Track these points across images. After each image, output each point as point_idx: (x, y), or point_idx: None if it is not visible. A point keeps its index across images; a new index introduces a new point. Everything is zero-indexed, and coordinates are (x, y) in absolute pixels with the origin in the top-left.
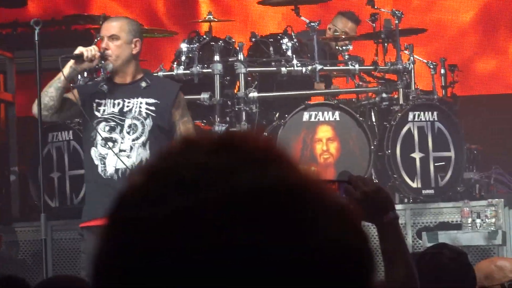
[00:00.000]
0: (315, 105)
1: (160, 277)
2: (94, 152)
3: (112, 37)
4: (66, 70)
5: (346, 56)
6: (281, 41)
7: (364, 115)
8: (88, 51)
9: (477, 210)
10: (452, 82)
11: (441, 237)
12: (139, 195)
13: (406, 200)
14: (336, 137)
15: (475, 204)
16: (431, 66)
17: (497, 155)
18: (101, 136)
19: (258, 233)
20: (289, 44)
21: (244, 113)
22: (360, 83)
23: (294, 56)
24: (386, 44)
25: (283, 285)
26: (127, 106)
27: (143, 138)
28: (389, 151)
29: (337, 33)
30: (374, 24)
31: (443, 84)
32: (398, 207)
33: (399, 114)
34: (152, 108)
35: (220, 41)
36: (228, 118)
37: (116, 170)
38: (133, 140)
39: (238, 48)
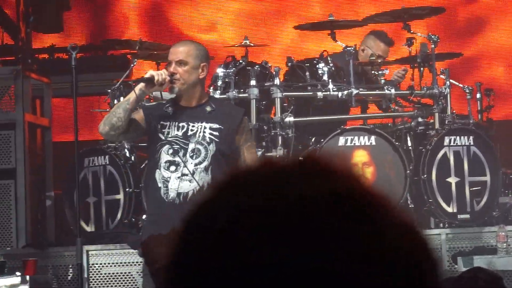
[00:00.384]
0: (351, 129)
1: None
2: (158, 175)
3: (180, 62)
4: (136, 92)
5: (382, 81)
6: (317, 66)
7: (400, 140)
8: (159, 75)
9: None
10: (488, 107)
11: (476, 262)
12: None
13: (441, 225)
14: (372, 161)
15: (511, 229)
16: (467, 91)
17: None
18: (164, 159)
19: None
20: (325, 69)
21: (280, 137)
22: (396, 107)
23: (330, 80)
24: (422, 69)
25: None
26: (191, 130)
27: (205, 163)
28: (425, 175)
29: (373, 57)
30: (410, 49)
31: (479, 108)
32: (433, 231)
33: (435, 138)
34: (216, 133)
35: (256, 66)
36: (264, 143)
37: (178, 194)
38: (196, 164)
39: (274, 73)
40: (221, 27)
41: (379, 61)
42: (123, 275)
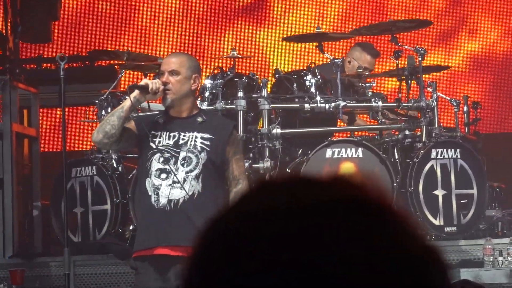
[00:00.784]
0: (338, 141)
1: None
2: (148, 183)
3: (173, 72)
4: (131, 99)
5: (370, 93)
6: (305, 78)
7: (387, 152)
8: (153, 84)
9: (499, 248)
10: (475, 120)
11: (463, 275)
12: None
13: (428, 238)
14: (359, 173)
15: (498, 242)
16: (454, 104)
17: None
18: (155, 167)
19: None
20: (313, 81)
21: (267, 149)
22: (383, 120)
23: (317, 92)
24: (409, 81)
25: None
26: (183, 139)
27: (197, 171)
28: (412, 188)
29: (360, 70)
30: (397, 61)
31: (466, 121)
32: None
33: (422, 151)
34: (207, 143)
35: (244, 77)
36: (251, 154)
37: (169, 201)
38: (187, 172)
39: (261, 84)
40: (209, 38)
41: (366, 73)
42: (110, 286)
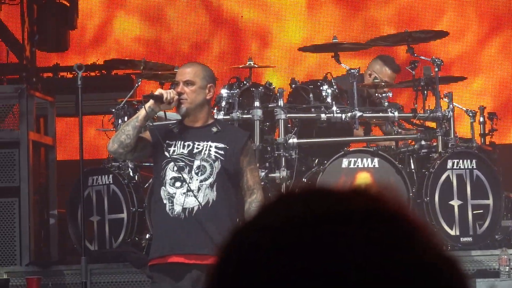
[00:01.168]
0: (354, 151)
1: None
2: (163, 191)
3: (187, 82)
4: (146, 109)
5: (386, 103)
6: (321, 88)
7: (403, 162)
8: (168, 94)
9: None
10: (491, 130)
11: (479, 285)
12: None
13: (444, 248)
14: (375, 183)
15: None
16: (470, 114)
17: None
18: (170, 176)
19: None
20: (329, 91)
21: (283, 159)
22: (399, 130)
23: (333, 102)
24: (425, 92)
25: None
26: (197, 148)
27: (211, 180)
28: (428, 198)
29: (377, 80)
30: (413, 72)
31: (482, 132)
32: None
33: (438, 161)
34: (221, 152)
35: (260, 87)
36: (267, 164)
37: (184, 209)
38: (201, 181)
39: (278, 94)
40: (226, 48)
41: (383, 83)
42: None
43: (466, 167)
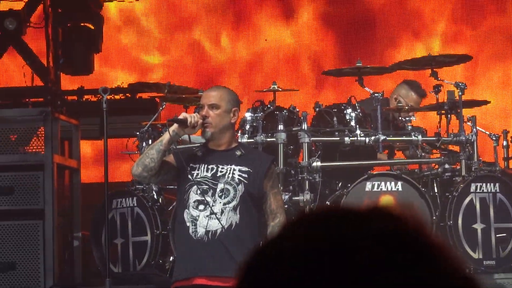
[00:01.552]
0: (378, 175)
1: None
2: (186, 214)
3: (213, 106)
4: (170, 133)
5: (409, 127)
6: (345, 111)
7: (426, 186)
8: (192, 118)
9: None
10: None
11: None
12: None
13: (468, 269)
14: (398, 206)
15: None
16: (494, 138)
17: None
18: (193, 199)
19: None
20: (353, 115)
21: (307, 182)
22: (423, 154)
23: (357, 126)
24: (449, 116)
25: None
26: (221, 172)
27: (234, 203)
28: (451, 222)
29: (401, 104)
30: (437, 96)
31: (505, 155)
32: None
33: (461, 185)
34: (245, 175)
35: (284, 111)
36: (291, 187)
37: (207, 232)
38: (224, 204)
39: (302, 118)
40: (249, 71)
41: (406, 107)
42: None
43: (489, 190)
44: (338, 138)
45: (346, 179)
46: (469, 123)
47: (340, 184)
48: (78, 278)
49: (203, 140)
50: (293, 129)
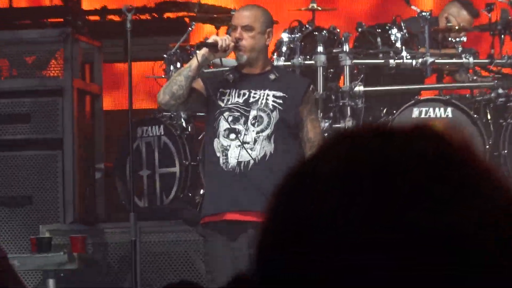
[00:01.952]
0: (426, 100)
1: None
2: (216, 144)
3: (246, 28)
4: (199, 58)
5: (460, 49)
6: (390, 32)
7: (478, 112)
8: (223, 41)
9: None
10: None
11: None
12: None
13: None
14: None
15: None
16: None
17: None
18: (224, 127)
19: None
20: (398, 35)
21: (349, 108)
22: (475, 77)
23: (403, 47)
24: (503, 36)
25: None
26: (253, 97)
27: (268, 131)
28: (505, 151)
29: (450, 24)
30: (490, 15)
31: None
32: None
33: None
34: (280, 101)
35: (324, 31)
36: (331, 114)
37: (239, 163)
38: (258, 132)
39: (343, 39)
40: None
41: (456, 27)
42: (178, 255)
43: None
44: (383, 61)
45: (391, 105)
46: None
47: (384, 111)
48: (100, 213)
49: (236, 63)
50: (334, 51)
